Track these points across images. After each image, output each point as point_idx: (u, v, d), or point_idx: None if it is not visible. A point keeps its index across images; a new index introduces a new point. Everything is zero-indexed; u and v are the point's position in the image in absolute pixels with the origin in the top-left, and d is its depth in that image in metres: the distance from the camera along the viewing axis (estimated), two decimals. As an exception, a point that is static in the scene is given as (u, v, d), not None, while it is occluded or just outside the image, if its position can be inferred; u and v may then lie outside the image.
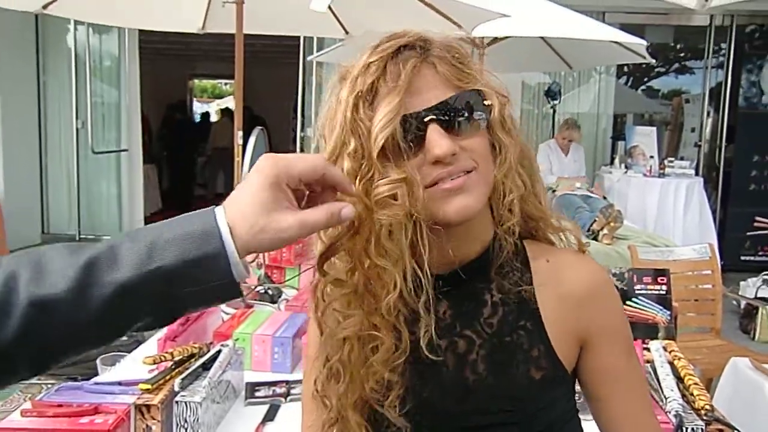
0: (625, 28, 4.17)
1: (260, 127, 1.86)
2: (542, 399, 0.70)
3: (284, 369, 1.51)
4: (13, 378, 0.54)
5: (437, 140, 0.65)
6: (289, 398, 1.37)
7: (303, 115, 5.76)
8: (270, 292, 1.99)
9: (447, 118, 0.66)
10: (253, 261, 1.96)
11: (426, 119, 0.66)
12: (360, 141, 0.65)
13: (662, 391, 1.26)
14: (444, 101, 0.67)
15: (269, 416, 1.31)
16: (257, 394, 1.38)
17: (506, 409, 0.70)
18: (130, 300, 0.52)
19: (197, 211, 0.55)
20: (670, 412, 1.19)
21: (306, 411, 0.84)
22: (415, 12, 3.02)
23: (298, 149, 5.79)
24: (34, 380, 1.75)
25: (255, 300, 1.94)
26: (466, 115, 0.68)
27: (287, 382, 1.42)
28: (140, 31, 6.38)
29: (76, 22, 5.86)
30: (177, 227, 0.54)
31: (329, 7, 3.27)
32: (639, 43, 3.69)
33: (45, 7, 2.96)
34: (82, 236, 6.11)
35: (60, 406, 1.11)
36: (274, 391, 1.39)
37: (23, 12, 5.05)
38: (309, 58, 5.09)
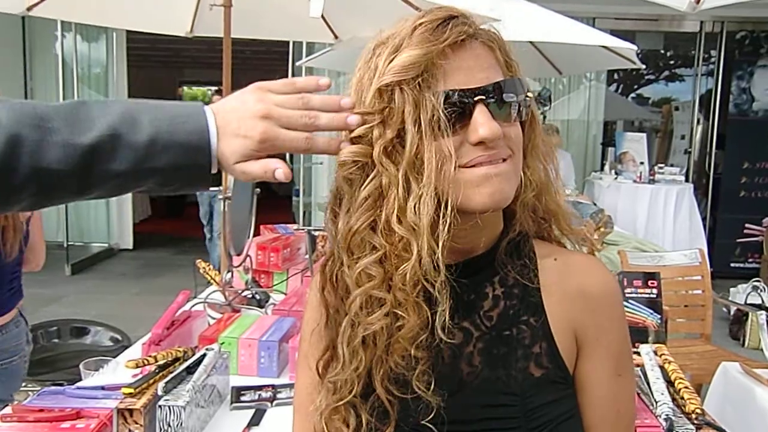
0: (616, 34, 4.17)
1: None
2: (542, 397, 0.67)
3: (271, 373, 1.48)
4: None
5: (486, 122, 0.62)
6: (275, 403, 1.35)
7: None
8: (257, 296, 1.96)
9: (495, 101, 0.64)
10: (240, 265, 1.93)
11: (475, 98, 0.63)
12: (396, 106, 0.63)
13: (652, 395, 1.25)
14: (495, 83, 0.64)
15: (255, 421, 1.28)
16: (243, 398, 1.35)
17: (504, 404, 0.67)
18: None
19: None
20: (660, 416, 1.18)
21: (300, 405, 0.80)
22: (404, 16, 3.02)
23: (287, 156, 5.78)
24: (21, 387, 1.72)
25: (242, 305, 1.91)
26: (510, 102, 0.65)
27: (273, 386, 1.40)
28: (128, 38, 6.38)
29: (64, 29, 5.83)
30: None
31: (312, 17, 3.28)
32: (629, 47, 3.68)
33: (29, 9, 2.91)
34: (70, 243, 6.03)
35: (41, 410, 1.10)
36: (259, 395, 1.36)
37: (10, 17, 5.02)
38: (298, 63, 5.08)
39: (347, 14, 3.18)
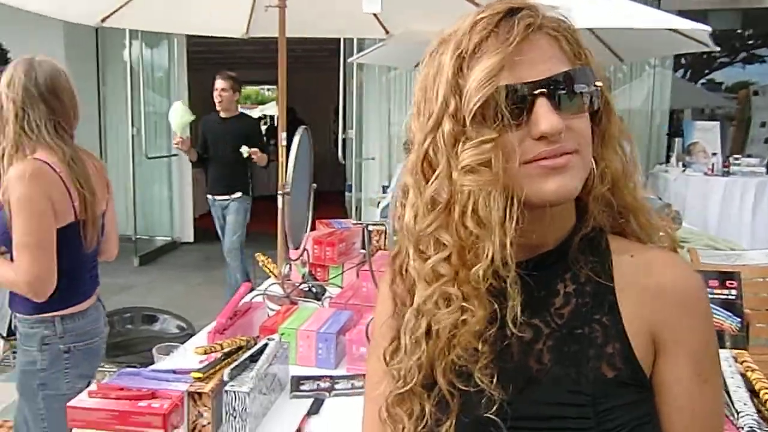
0: (685, 14, 3.81)
1: (304, 127, 1.89)
2: (614, 399, 0.65)
3: (328, 365, 1.52)
4: None
5: (546, 115, 0.61)
6: (333, 393, 1.39)
7: (344, 117, 5.81)
8: (314, 289, 2.01)
9: (558, 93, 0.63)
10: (297, 259, 1.99)
11: (536, 92, 0.62)
12: (460, 103, 0.63)
13: (733, 405, 1.16)
14: (558, 75, 0.63)
15: (313, 410, 1.33)
16: (302, 387, 1.40)
17: (574, 403, 0.65)
18: None
19: None
20: (743, 428, 1.10)
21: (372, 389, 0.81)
22: (458, 9, 3.00)
23: (339, 151, 5.84)
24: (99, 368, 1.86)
25: (299, 297, 1.97)
26: (577, 93, 0.64)
27: (331, 377, 1.44)
28: (188, 42, 6.61)
29: (131, 38, 6.10)
30: None
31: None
32: (701, 29, 3.35)
33: (103, 20, 3.11)
34: (137, 236, 6.36)
35: (121, 389, 1.20)
36: (318, 385, 1.41)
37: (86, 31, 5.28)
38: (349, 60, 5.13)
39: (398, 9, 3.19)
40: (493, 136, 0.62)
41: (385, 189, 5.26)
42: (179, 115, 4.12)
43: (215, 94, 4.32)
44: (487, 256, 0.62)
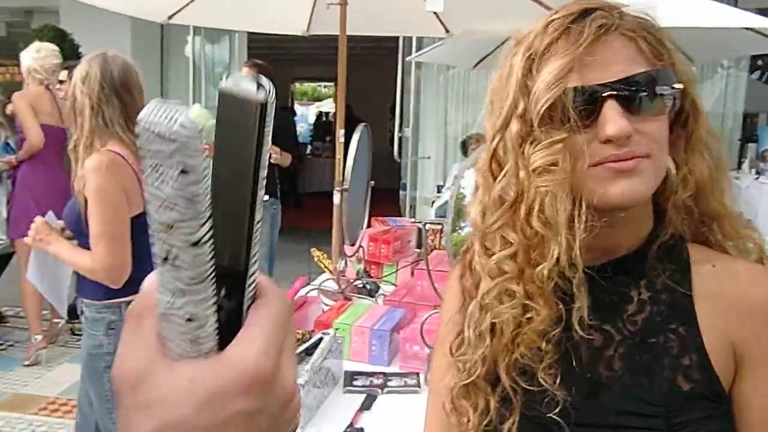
0: (765, 12, 3.63)
1: (364, 124, 1.89)
2: (689, 412, 0.63)
3: (381, 361, 1.52)
4: None
5: (614, 118, 0.61)
6: (386, 390, 1.39)
7: (401, 116, 5.81)
8: (368, 286, 2.02)
9: (628, 95, 0.62)
10: (353, 255, 2.00)
11: (604, 94, 0.61)
12: (529, 104, 0.63)
13: None
14: (629, 77, 0.62)
15: (366, 405, 1.33)
16: (355, 383, 1.41)
17: (646, 414, 0.64)
18: None
19: None
20: None
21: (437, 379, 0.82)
22: (520, 8, 2.96)
23: (395, 149, 5.85)
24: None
25: (353, 293, 1.98)
26: (652, 95, 0.63)
27: (384, 374, 1.44)
28: (248, 38, 6.76)
29: (194, 33, 6.29)
30: None
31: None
32: None
33: (170, 17, 3.22)
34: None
35: None
36: (371, 381, 1.41)
37: (151, 28, 5.49)
38: (408, 59, 5.13)
39: (459, 8, 3.16)
40: (562, 136, 0.62)
41: (440, 188, 5.23)
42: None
43: None
44: (552, 256, 0.62)
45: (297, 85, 13.36)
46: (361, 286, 2.02)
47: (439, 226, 2.08)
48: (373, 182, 1.92)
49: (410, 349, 1.50)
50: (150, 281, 0.32)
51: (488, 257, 0.67)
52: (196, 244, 0.30)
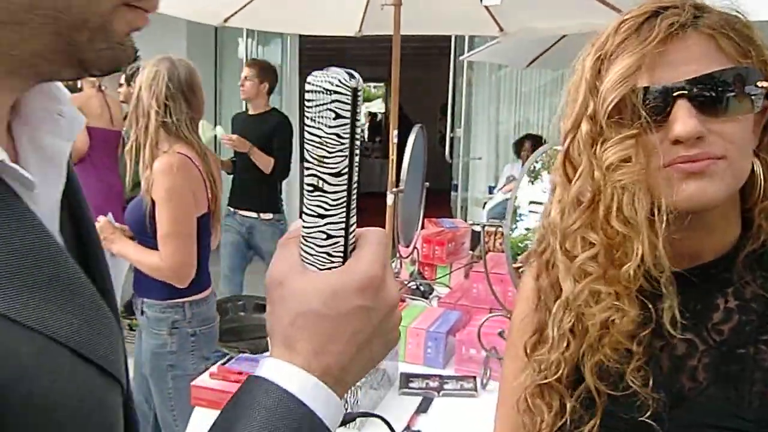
0: None
1: (419, 125, 1.88)
2: None
3: (437, 363, 1.51)
4: None
5: (683, 119, 0.59)
6: (442, 393, 1.37)
7: (453, 116, 5.76)
8: (422, 288, 2.01)
9: (701, 95, 0.59)
10: (408, 257, 1.99)
11: (674, 93, 0.59)
12: (597, 104, 0.62)
13: None
14: (703, 76, 0.59)
15: (422, 408, 1.32)
16: (411, 385, 1.40)
17: (736, 428, 0.61)
18: None
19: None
20: None
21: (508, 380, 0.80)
22: (578, 5, 2.89)
23: (447, 150, 5.81)
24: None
25: (407, 295, 1.97)
26: (731, 94, 0.60)
27: (440, 376, 1.42)
28: (300, 40, 6.86)
29: (247, 35, 6.42)
30: None
31: (485, 6, 3.25)
32: None
33: (226, 20, 3.29)
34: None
35: (240, 373, 1.27)
36: (427, 384, 1.40)
37: (205, 30, 5.63)
38: (461, 58, 5.08)
39: (514, 6, 3.11)
40: (633, 132, 0.61)
41: (491, 189, 5.17)
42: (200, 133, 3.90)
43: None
44: (636, 255, 0.61)
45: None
46: (414, 287, 2.01)
47: (494, 228, 2.04)
48: (428, 183, 1.90)
49: (466, 352, 1.48)
50: (297, 223, 0.43)
51: (570, 258, 0.65)
52: (337, 174, 0.41)
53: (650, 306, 0.63)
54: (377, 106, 13.24)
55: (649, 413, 0.62)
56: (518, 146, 4.85)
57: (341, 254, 0.42)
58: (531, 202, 1.44)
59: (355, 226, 0.43)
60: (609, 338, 0.63)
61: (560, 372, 0.66)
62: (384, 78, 12.00)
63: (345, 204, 0.42)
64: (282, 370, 0.40)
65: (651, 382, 0.62)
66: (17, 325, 0.37)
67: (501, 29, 3.46)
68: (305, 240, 0.42)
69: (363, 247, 0.43)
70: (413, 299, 1.94)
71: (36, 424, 0.37)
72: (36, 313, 0.39)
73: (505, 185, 4.66)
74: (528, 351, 0.71)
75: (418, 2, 2.91)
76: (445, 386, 1.39)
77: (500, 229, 2.08)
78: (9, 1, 0.40)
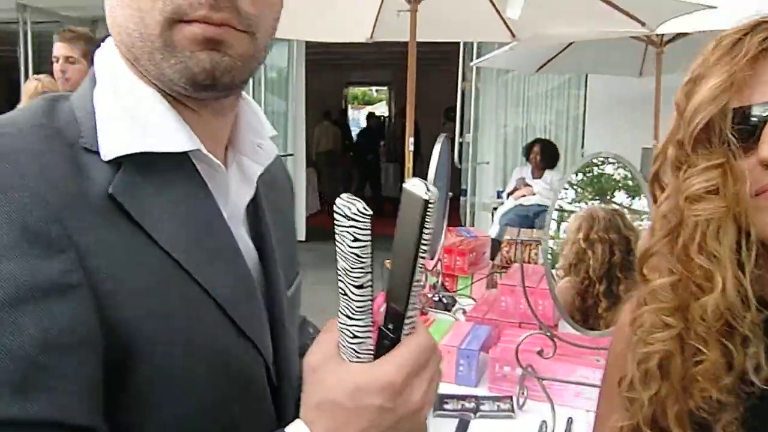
0: None
1: (444, 135, 1.85)
2: None
3: (469, 382, 1.47)
4: None
5: None
6: (478, 414, 1.33)
7: (461, 121, 5.73)
8: (444, 300, 1.97)
9: None
10: (433, 269, 1.96)
11: (764, 114, 0.56)
12: (684, 126, 0.59)
13: None
14: None
15: (459, 431, 1.28)
16: (446, 406, 1.36)
17: None
18: None
19: None
20: None
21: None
22: (590, 12, 2.86)
23: (455, 155, 5.77)
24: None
25: (429, 307, 1.93)
26: None
27: (476, 397, 1.39)
28: (307, 44, 6.82)
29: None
30: None
31: (497, 12, 3.22)
32: None
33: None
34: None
35: None
36: (463, 405, 1.36)
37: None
38: (471, 64, 5.05)
39: (527, 13, 3.09)
40: (719, 161, 0.57)
41: (499, 194, 5.13)
42: None
43: None
44: (717, 291, 0.57)
45: (350, 89, 13.44)
46: (437, 300, 1.97)
47: (519, 238, 2.01)
48: (451, 193, 1.87)
49: (500, 371, 1.44)
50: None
51: (646, 282, 0.63)
52: (359, 287, 0.46)
53: (732, 350, 0.58)
54: (379, 109, 13.22)
55: None
56: (528, 150, 4.83)
57: (370, 352, 0.47)
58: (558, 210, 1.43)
59: (410, 327, 0.48)
60: (694, 384, 0.59)
61: (642, 413, 0.63)
62: (388, 81, 11.97)
63: (369, 311, 0.47)
64: None
65: None
66: (191, 278, 0.49)
67: (513, 36, 3.44)
68: (340, 332, 0.48)
69: (399, 348, 0.47)
70: (437, 312, 1.90)
71: (176, 357, 0.47)
72: (202, 270, 0.50)
73: (515, 189, 4.63)
74: (620, 386, 0.67)
75: (433, 9, 2.88)
76: (482, 407, 1.35)
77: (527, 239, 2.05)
78: (136, 38, 0.51)
